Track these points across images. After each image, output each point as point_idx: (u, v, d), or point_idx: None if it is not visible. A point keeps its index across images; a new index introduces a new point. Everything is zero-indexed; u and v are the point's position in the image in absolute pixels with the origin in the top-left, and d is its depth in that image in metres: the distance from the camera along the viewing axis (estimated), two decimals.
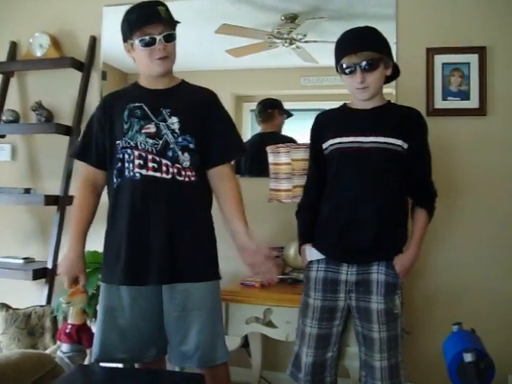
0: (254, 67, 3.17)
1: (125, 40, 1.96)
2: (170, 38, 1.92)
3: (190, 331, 1.91)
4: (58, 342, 2.20)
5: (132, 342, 1.95)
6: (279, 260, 2.75)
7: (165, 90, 1.99)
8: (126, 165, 1.91)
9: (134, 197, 1.89)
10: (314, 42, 3.04)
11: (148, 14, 1.91)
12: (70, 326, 2.13)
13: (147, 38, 1.88)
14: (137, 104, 1.94)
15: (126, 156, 1.92)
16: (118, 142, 1.94)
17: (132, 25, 1.92)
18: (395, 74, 2.06)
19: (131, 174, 1.90)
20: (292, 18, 3.08)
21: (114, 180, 1.95)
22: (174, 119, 1.91)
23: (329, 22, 3.02)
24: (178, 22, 1.97)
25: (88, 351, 2.30)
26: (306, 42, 3.05)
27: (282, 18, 3.08)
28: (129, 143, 1.92)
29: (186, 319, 1.91)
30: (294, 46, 3.08)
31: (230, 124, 2.07)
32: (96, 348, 1.98)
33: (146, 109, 1.93)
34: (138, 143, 1.90)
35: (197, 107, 1.97)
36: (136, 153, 1.90)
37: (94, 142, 2.02)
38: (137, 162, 1.89)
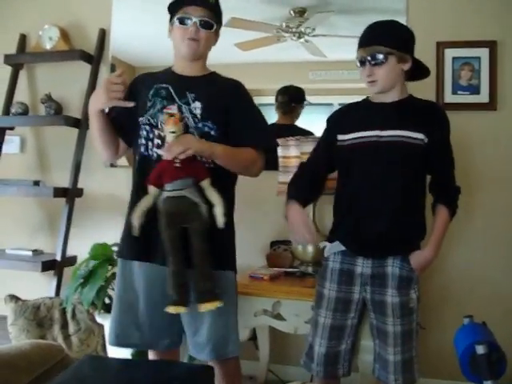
0: (263, 61, 3.17)
1: (170, 19, 2.00)
2: (206, 25, 1.94)
3: (202, 324, 1.91)
4: (151, 189, 1.82)
5: (146, 330, 1.95)
6: (288, 253, 2.76)
7: (194, 76, 2.00)
8: (144, 142, 1.93)
9: (147, 175, 1.87)
10: (323, 35, 3.04)
11: None
12: (177, 161, 1.78)
13: (184, 16, 1.93)
14: (164, 85, 1.96)
15: (145, 133, 1.93)
16: (140, 118, 1.95)
17: (177, 3, 1.96)
18: (424, 72, 2.04)
19: (149, 152, 1.92)
20: (301, 12, 3.08)
21: (137, 157, 1.96)
22: (198, 104, 1.90)
23: (338, 15, 3.02)
24: (221, 19, 2.02)
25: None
26: (314, 35, 3.05)
27: (291, 11, 3.08)
28: (149, 120, 1.93)
29: (198, 311, 1.88)
30: (302, 39, 3.07)
31: (258, 116, 2.07)
32: (112, 332, 1.99)
33: (172, 90, 1.94)
34: (159, 123, 1.91)
35: (222, 96, 1.97)
36: (156, 132, 1.91)
37: (116, 113, 2.02)
38: (156, 141, 1.91)
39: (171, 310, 1.78)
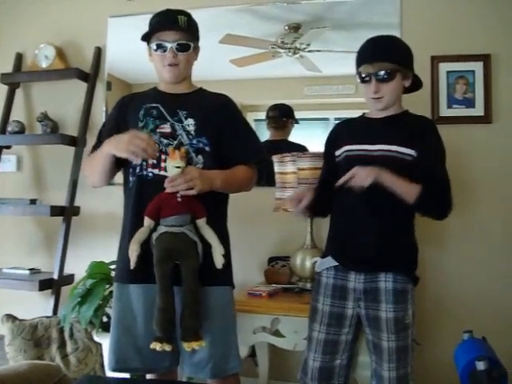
0: (258, 77, 3.18)
1: (147, 44, 2.01)
2: (183, 48, 1.94)
3: None
4: (148, 221, 1.82)
5: (146, 353, 1.89)
6: (286, 269, 2.75)
7: (182, 94, 2.02)
8: (139, 162, 1.90)
9: (143, 195, 1.87)
10: (318, 51, 3.05)
11: (166, 21, 1.96)
12: (179, 195, 1.79)
13: (160, 43, 1.94)
14: (153, 104, 1.96)
15: None
16: None
17: (150, 29, 1.98)
18: (417, 85, 2.05)
19: (144, 172, 1.90)
20: (295, 28, 3.09)
21: (130, 179, 1.94)
22: (191, 121, 1.92)
23: (332, 31, 3.04)
24: (197, 35, 2.01)
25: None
26: (309, 51, 3.06)
27: (286, 27, 3.10)
28: None
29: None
30: (297, 55, 3.09)
31: (249, 129, 2.11)
32: (111, 357, 1.94)
33: (162, 109, 1.95)
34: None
35: (214, 111, 1.98)
36: None
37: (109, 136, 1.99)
38: (150, 161, 1.89)
39: (157, 346, 1.76)
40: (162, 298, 1.77)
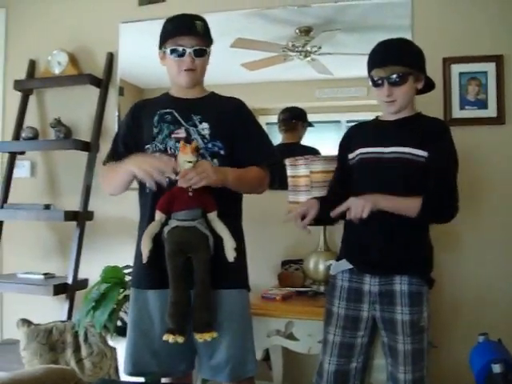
0: (270, 80, 3.19)
1: (160, 47, 2.02)
2: (200, 54, 1.95)
3: (219, 345, 1.88)
4: (159, 214, 1.84)
5: (163, 357, 1.91)
6: (299, 273, 2.75)
7: (195, 98, 2.02)
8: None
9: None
10: (329, 54, 3.05)
11: (183, 26, 1.96)
12: (190, 190, 1.80)
13: (177, 48, 1.94)
14: (167, 110, 1.97)
15: None
16: (147, 146, 1.95)
17: (166, 34, 1.98)
18: (429, 86, 2.04)
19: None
20: (306, 31, 3.09)
21: (147, 184, 1.94)
22: (205, 125, 1.93)
23: (344, 33, 3.03)
24: (211, 40, 2.02)
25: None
26: (320, 54, 3.06)
27: (297, 30, 3.10)
28: (158, 147, 1.93)
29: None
30: (308, 58, 3.09)
31: (262, 132, 2.12)
32: (128, 361, 1.96)
33: (177, 114, 1.96)
34: (168, 148, 1.92)
35: (227, 115, 2.00)
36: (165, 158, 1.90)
37: (123, 147, 2.01)
38: None
39: (170, 338, 1.77)
40: (175, 290, 1.78)
